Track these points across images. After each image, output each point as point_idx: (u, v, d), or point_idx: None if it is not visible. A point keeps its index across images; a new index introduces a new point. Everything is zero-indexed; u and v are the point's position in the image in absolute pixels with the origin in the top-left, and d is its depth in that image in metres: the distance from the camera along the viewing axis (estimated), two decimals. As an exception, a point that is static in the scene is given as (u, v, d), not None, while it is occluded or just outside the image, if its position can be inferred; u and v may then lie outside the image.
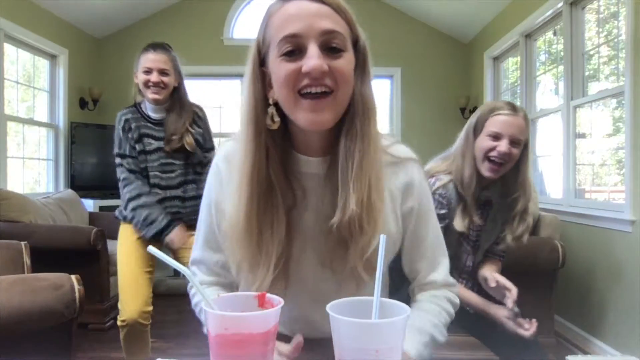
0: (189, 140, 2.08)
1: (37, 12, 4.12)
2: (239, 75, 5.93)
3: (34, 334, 1.58)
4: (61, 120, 4.54)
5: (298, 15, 0.74)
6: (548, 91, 3.94)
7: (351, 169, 0.77)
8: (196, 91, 5.46)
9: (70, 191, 4.13)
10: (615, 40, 2.95)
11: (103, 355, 2.82)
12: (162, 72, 2.05)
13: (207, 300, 0.74)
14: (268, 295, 0.78)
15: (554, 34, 3.72)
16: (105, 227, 3.40)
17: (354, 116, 0.78)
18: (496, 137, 1.46)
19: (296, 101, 0.76)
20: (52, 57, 4.48)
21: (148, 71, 2.04)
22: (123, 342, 2.06)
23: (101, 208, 4.41)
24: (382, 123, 5.54)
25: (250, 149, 0.79)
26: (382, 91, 5.49)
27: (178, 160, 2.10)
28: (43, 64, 4.44)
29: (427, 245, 0.91)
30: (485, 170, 1.49)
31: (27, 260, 1.91)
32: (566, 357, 0.89)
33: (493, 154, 1.46)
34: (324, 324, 0.67)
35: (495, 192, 1.59)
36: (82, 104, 4.84)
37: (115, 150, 2.14)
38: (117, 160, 2.14)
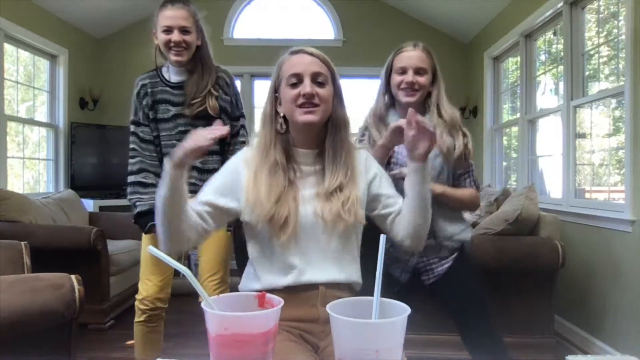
0: (212, 103, 1.90)
1: (37, 12, 4.13)
2: (239, 75, 5.95)
3: (34, 334, 1.58)
4: (61, 120, 4.54)
5: (299, 63, 1.26)
6: (548, 91, 3.94)
7: (335, 156, 1.27)
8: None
9: (70, 191, 4.13)
10: (615, 40, 2.95)
11: (103, 355, 2.81)
12: (184, 30, 1.87)
13: (207, 300, 0.74)
14: (268, 295, 0.78)
15: (554, 34, 3.72)
16: (105, 227, 3.40)
17: (333, 126, 1.29)
18: (403, 71, 1.71)
19: (296, 110, 1.25)
20: (52, 57, 4.47)
21: (168, 30, 1.86)
22: (136, 330, 1.99)
23: (101, 208, 4.41)
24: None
25: (266, 141, 1.27)
26: (382, 91, 5.49)
27: (200, 128, 1.89)
28: (43, 64, 4.44)
29: (392, 190, 1.38)
30: (402, 97, 1.71)
31: (27, 260, 1.91)
32: (566, 357, 0.89)
33: (402, 85, 1.70)
34: (318, 262, 1.24)
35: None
36: (82, 104, 4.84)
37: (131, 117, 1.99)
38: (131, 127, 1.98)
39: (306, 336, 1.21)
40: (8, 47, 3.89)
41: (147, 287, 1.97)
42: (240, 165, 1.29)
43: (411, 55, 1.71)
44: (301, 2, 5.36)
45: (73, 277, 1.67)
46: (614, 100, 2.96)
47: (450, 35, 5.27)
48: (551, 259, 2.61)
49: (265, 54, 5.51)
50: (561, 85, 3.50)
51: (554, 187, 3.76)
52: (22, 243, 1.97)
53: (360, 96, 5.47)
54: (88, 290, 1.74)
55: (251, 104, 5.38)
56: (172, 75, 1.97)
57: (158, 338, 2.06)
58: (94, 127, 4.79)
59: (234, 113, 2.00)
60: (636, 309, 2.50)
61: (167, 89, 1.95)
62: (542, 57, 3.97)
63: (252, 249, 1.29)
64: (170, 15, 1.86)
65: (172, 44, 1.86)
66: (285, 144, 1.27)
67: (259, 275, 1.25)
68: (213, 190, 1.26)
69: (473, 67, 5.10)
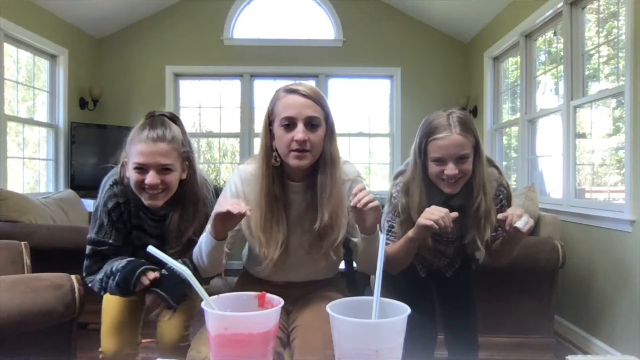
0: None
1: (37, 12, 4.12)
2: (239, 75, 5.96)
3: (34, 334, 1.58)
4: (61, 120, 4.54)
5: (294, 105, 1.29)
6: (548, 91, 3.93)
7: (324, 195, 1.33)
8: (196, 91, 5.47)
9: (70, 191, 4.13)
10: (615, 40, 2.95)
11: (103, 355, 2.81)
12: (163, 169, 1.44)
13: (207, 300, 0.74)
14: (268, 295, 0.78)
15: (554, 34, 3.72)
16: (105, 227, 3.39)
17: (324, 163, 1.34)
18: (441, 160, 1.44)
19: (289, 153, 1.30)
20: (52, 57, 4.47)
21: (141, 168, 1.43)
22: None
23: (101, 208, 4.40)
24: (382, 123, 5.55)
25: (264, 174, 1.34)
26: (382, 91, 5.49)
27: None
28: (43, 64, 4.44)
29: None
30: (444, 187, 1.48)
31: (27, 260, 1.91)
32: (566, 357, 0.89)
33: (443, 177, 1.45)
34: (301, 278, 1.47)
35: (462, 198, 1.55)
36: (82, 104, 4.84)
37: (91, 235, 1.59)
38: (89, 248, 1.60)
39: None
40: (8, 47, 3.88)
41: (108, 345, 1.66)
42: (240, 191, 1.41)
43: (448, 145, 1.41)
44: (301, 2, 5.36)
45: (73, 277, 1.67)
46: (614, 100, 2.96)
47: (450, 35, 5.27)
48: (551, 259, 2.60)
49: (265, 54, 5.54)
50: (561, 85, 3.50)
51: (554, 187, 3.75)
52: (22, 243, 1.97)
53: (360, 96, 5.48)
54: (88, 290, 1.74)
55: (251, 104, 5.37)
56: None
57: None
58: (94, 127, 4.79)
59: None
60: (636, 309, 2.50)
61: (143, 216, 1.56)
62: (542, 57, 3.97)
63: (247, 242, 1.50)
64: (146, 151, 1.41)
65: (145, 186, 1.43)
66: (280, 176, 1.36)
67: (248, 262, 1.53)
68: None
69: (473, 67, 5.10)
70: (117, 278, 1.47)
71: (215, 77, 5.42)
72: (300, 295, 1.48)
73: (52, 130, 4.52)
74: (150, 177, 1.42)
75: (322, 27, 5.35)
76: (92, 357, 2.77)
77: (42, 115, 4.46)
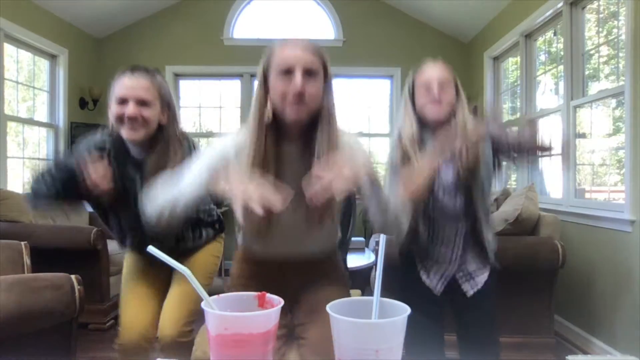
0: None
1: (37, 12, 4.12)
2: (239, 75, 5.95)
3: (34, 334, 1.58)
4: (61, 120, 4.54)
5: (292, 55, 1.21)
6: (548, 91, 3.93)
7: (323, 151, 1.22)
8: (196, 91, 5.47)
9: (70, 191, 4.13)
10: (615, 40, 2.95)
11: (103, 355, 2.81)
12: (142, 103, 1.53)
13: (207, 300, 0.74)
14: (268, 295, 0.78)
15: (554, 34, 3.72)
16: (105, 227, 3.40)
17: (322, 118, 1.24)
18: (427, 88, 1.65)
19: (285, 105, 1.21)
20: (52, 57, 4.47)
21: (123, 101, 1.54)
22: None
23: (101, 208, 4.41)
24: (382, 123, 5.55)
25: (256, 132, 1.23)
26: (382, 91, 5.49)
27: None
28: (43, 64, 4.44)
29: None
30: (431, 114, 1.64)
31: (27, 260, 1.91)
32: (566, 357, 0.89)
33: (428, 103, 1.64)
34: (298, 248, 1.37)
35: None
36: (82, 104, 4.84)
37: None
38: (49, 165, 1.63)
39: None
40: (8, 47, 3.88)
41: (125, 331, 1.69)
42: (231, 153, 1.26)
43: (432, 73, 1.67)
44: (301, 2, 5.36)
45: (73, 277, 1.67)
46: (614, 100, 2.96)
47: (450, 35, 5.27)
48: (551, 259, 2.61)
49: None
50: (561, 85, 3.50)
51: (554, 187, 3.75)
52: (22, 243, 1.97)
53: (360, 96, 5.48)
54: (88, 290, 1.74)
55: (251, 104, 5.37)
56: (130, 147, 1.63)
57: None
58: (94, 127, 4.78)
59: None
60: (636, 309, 2.50)
61: (129, 162, 1.62)
62: (542, 57, 3.97)
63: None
64: (128, 85, 1.54)
65: (125, 118, 1.52)
66: (273, 136, 1.24)
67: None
68: (205, 169, 1.25)
69: (473, 67, 5.10)
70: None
71: (215, 77, 5.41)
72: (299, 285, 1.39)
73: (52, 130, 4.52)
74: (130, 108, 1.52)
75: (322, 27, 5.35)
76: (93, 357, 2.78)
77: (42, 115, 4.46)
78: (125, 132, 1.54)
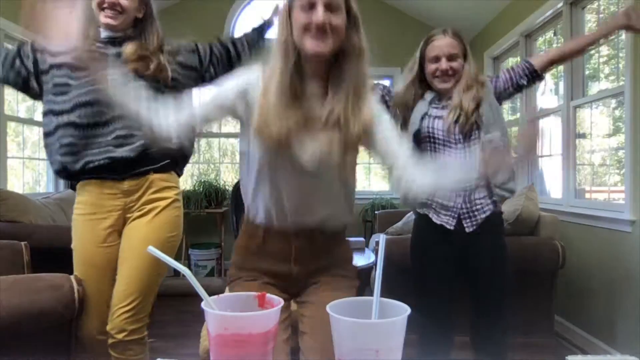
0: (164, 70, 1.69)
1: (37, 12, 4.12)
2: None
3: (34, 334, 1.58)
4: (61, 120, 4.53)
5: None
6: (548, 91, 3.94)
7: (340, 88, 1.20)
8: (196, 91, 5.47)
9: (70, 191, 4.12)
10: (615, 40, 2.95)
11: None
12: None
13: (207, 300, 0.74)
14: (268, 295, 0.78)
15: (554, 34, 3.72)
16: (105, 227, 3.39)
17: (349, 53, 1.22)
18: (436, 59, 1.77)
19: (306, 37, 1.17)
20: (52, 57, 4.47)
21: None
22: None
23: (101, 208, 4.40)
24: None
25: (282, 70, 1.19)
26: (382, 91, 5.49)
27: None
28: (43, 64, 4.44)
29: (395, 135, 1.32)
30: (438, 84, 1.78)
31: (27, 260, 1.92)
32: (566, 357, 0.89)
33: (437, 73, 1.77)
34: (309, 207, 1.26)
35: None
36: (82, 104, 4.83)
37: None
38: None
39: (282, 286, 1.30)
40: (8, 47, 3.88)
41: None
42: (253, 85, 1.24)
43: (442, 44, 1.77)
44: (301, 2, 5.36)
45: (73, 277, 1.67)
46: (614, 100, 2.96)
47: (450, 35, 5.27)
48: (551, 259, 2.61)
49: (265, 54, 5.51)
50: (561, 85, 3.50)
51: (554, 187, 3.75)
52: (22, 243, 1.98)
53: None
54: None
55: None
56: (102, 32, 1.70)
57: None
58: (94, 127, 4.78)
59: (191, 48, 1.83)
60: (636, 309, 2.50)
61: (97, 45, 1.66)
62: (542, 57, 3.97)
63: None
64: None
65: (105, 5, 1.63)
66: (297, 73, 1.20)
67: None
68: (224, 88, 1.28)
69: (473, 67, 5.10)
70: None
71: (215, 77, 5.41)
72: (307, 262, 1.29)
73: (52, 130, 4.52)
74: None
75: (322, 27, 5.35)
76: (93, 357, 2.77)
77: (42, 115, 4.45)
78: (102, 18, 1.65)
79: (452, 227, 1.75)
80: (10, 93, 4.01)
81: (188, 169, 2.46)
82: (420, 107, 1.80)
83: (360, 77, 1.23)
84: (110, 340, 1.64)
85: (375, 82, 1.89)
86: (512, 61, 4.54)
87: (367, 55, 1.26)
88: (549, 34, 3.78)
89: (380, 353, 0.65)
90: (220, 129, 5.45)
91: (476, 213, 1.75)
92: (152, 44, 1.69)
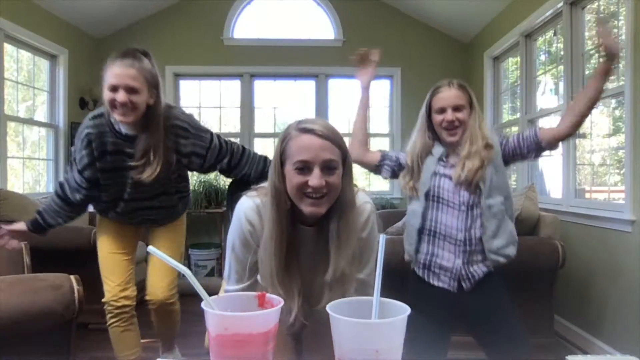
0: (160, 165, 1.81)
1: (37, 12, 4.12)
2: (239, 75, 5.94)
3: (34, 334, 1.58)
4: (61, 120, 4.54)
5: (309, 147, 1.12)
6: (548, 91, 3.93)
7: (340, 243, 1.18)
8: (196, 91, 5.47)
9: (70, 191, 4.13)
10: (615, 40, 2.95)
11: (103, 355, 2.81)
12: (131, 90, 1.71)
13: (207, 300, 0.74)
14: (268, 295, 0.78)
15: (554, 33, 3.72)
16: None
17: (340, 207, 1.18)
18: (442, 110, 1.79)
19: (302, 198, 1.15)
20: (52, 57, 4.47)
21: (114, 88, 1.72)
22: (111, 333, 2.07)
23: (101, 208, 4.40)
24: (382, 123, 5.54)
25: (276, 220, 1.17)
26: (382, 91, 5.49)
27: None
28: (43, 64, 4.44)
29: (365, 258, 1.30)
30: (446, 136, 1.79)
31: (27, 260, 1.92)
32: (566, 357, 0.89)
33: (444, 124, 1.78)
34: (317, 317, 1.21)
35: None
36: (82, 104, 4.84)
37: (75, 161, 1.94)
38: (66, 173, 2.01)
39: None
40: (8, 47, 3.88)
41: (110, 287, 2.01)
42: (249, 237, 1.25)
43: (448, 95, 1.80)
44: (301, 2, 5.36)
45: (72, 277, 1.68)
46: (613, 100, 2.96)
47: (450, 35, 5.26)
48: (551, 259, 2.60)
49: (265, 54, 5.53)
50: (561, 85, 3.50)
51: (554, 187, 3.75)
52: (22, 243, 1.97)
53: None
54: (88, 290, 1.74)
55: (251, 104, 5.37)
56: (122, 128, 1.84)
57: (134, 336, 2.09)
58: (94, 127, 4.79)
59: (202, 150, 1.89)
60: (636, 309, 2.50)
61: (120, 142, 1.84)
62: (542, 57, 3.97)
63: None
64: (118, 73, 1.71)
65: (117, 104, 1.72)
66: (289, 219, 1.20)
67: None
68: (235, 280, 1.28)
69: (473, 67, 5.10)
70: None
71: (215, 77, 5.41)
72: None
73: (52, 130, 4.52)
74: (121, 96, 1.70)
75: (322, 27, 5.35)
76: (93, 357, 2.77)
77: (42, 115, 4.46)
78: (117, 116, 1.75)
79: (453, 290, 1.73)
80: (10, 93, 4.01)
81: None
82: (429, 165, 1.79)
83: (355, 229, 1.22)
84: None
85: (380, 149, 2.06)
86: (512, 61, 4.54)
87: (353, 201, 1.22)
88: (549, 34, 3.78)
89: (380, 353, 0.65)
90: (220, 129, 5.46)
91: (474, 274, 1.73)
92: (157, 134, 1.80)
